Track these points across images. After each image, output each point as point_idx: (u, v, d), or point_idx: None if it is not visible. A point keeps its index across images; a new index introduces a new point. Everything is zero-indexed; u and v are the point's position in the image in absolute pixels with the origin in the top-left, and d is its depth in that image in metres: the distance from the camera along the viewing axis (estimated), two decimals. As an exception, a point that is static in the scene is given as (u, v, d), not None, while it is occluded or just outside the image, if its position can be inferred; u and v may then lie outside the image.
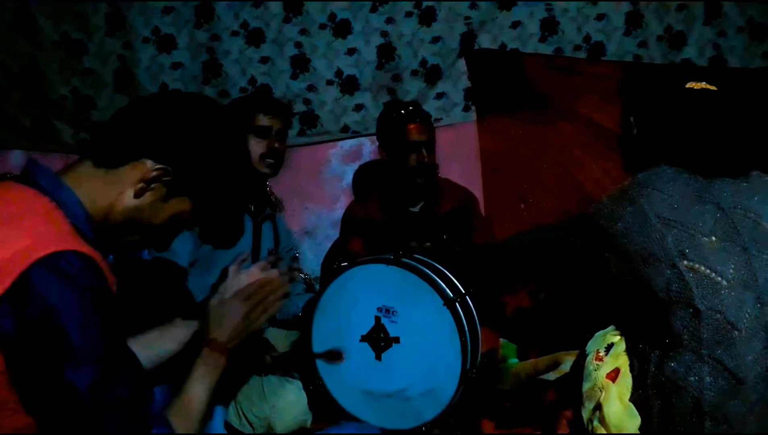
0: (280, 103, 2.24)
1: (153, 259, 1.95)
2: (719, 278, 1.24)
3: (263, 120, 2.12)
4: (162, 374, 1.21)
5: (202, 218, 1.14)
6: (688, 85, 1.41)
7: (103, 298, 0.93)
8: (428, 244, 1.96)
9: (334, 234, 2.79)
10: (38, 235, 0.91)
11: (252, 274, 1.24)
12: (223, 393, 1.79)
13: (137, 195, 1.04)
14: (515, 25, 2.85)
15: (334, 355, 1.67)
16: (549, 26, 2.85)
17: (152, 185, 1.04)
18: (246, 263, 1.28)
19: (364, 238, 2.35)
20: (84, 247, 0.93)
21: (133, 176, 1.04)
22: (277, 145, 2.14)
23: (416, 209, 2.37)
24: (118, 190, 1.04)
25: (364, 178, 2.89)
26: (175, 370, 1.19)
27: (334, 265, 1.70)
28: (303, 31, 2.79)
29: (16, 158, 2.78)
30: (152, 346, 1.23)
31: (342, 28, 2.80)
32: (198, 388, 1.10)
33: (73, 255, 0.91)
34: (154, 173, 1.04)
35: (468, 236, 2.36)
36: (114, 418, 0.91)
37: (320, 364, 1.67)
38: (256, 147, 2.10)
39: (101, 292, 0.93)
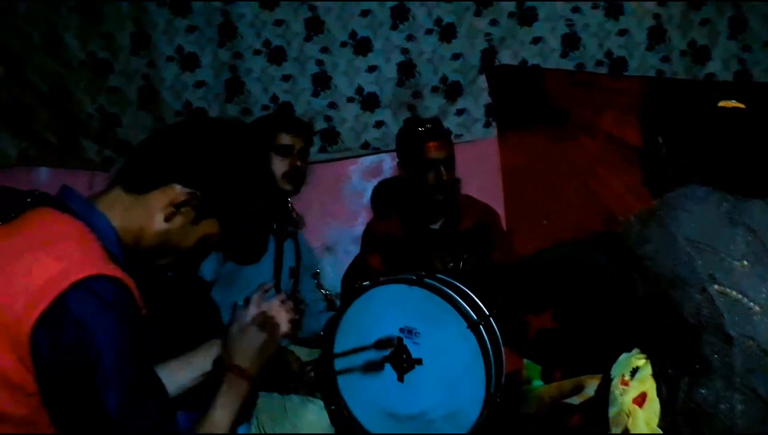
0: (301, 122, 2.26)
1: (177, 275, 1.97)
2: (751, 304, 1.22)
3: (285, 139, 2.14)
4: (181, 401, 1.22)
5: (230, 240, 1.17)
6: (720, 104, 1.39)
7: (135, 323, 0.95)
8: (451, 264, 1.96)
9: (355, 250, 2.79)
10: (73, 259, 0.93)
11: (269, 305, 1.28)
12: (245, 409, 1.79)
13: (167, 219, 1.07)
14: (536, 40, 2.84)
15: (385, 343, 1.61)
16: (570, 42, 2.84)
17: (182, 209, 1.07)
18: (270, 292, 1.31)
19: (384, 254, 2.35)
20: (117, 272, 0.95)
21: (163, 201, 1.06)
22: (299, 163, 2.16)
23: (437, 226, 2.36)
24: (149, 215, 1.07)
25: (382, 194, 2.89)
26: (193, 397, 1.21)
27: (356, 284, 1.69)
28: (324, 49, 2.81)
29: (42, 175, 2.84)
30: (175, 375, 1.25)
31: (363, 46, 2.82)
32: (222, 414, 1.12)
33: (108, 279, 0.93)
34: (183, 197, 1.06)
35: (489, 253, 2.34)
36: None
37: (342, 383, 1.66)
38: (279, 165, 2.12)
39: (133, 316, 0.95)
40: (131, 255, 1.06)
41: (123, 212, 1.06)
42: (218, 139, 1.12)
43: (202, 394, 1.18)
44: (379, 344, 1.62)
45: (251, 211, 1.16)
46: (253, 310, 1.26)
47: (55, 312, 0.89)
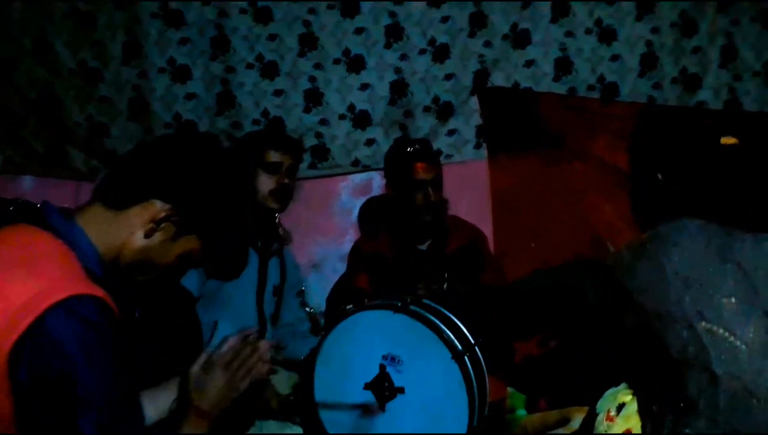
0: (291, 139, 2.24)
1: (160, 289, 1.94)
2: (738, 342, 1.20)
3: (274, 156, 2.12)
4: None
5: (210, 257, 1.16)
6: (723, 141, 1.39)
7: (116, 344, 0.93)
8: (435, 286, 1.93)
9: (341, 267, 2.76)
10: (53, 279, 0.92)
11: (229, 344, 1.25)
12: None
13: (147, 235, 1.06)
14: (529, 63, 2.85)
15: (369, 409, 1.60)
16: (563, 66, 2.85)
17: (161, 225, 1.06)
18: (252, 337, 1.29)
19: (371, 274, 2.33)
20: (98, 291, 0.94)
21: (143, 217, 1.05)
22: (286, 180, 2.14)
23: (424, 247, 2.34)
24: (129, 231, 1.05)
25: (370, 212, 2.87)
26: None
27: (340, 308, 1.67)
28: (317, 66, 2.80)
29: (27, 184, 2.80)
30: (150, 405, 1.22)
31: (356, 64, 2.81)
32: None
33: (89, 299, 0.92)
34: (163, 214, 1.06)
35: (477, 275, 2.33)
36: None
37: (322, 410, 1.63)
38: (266, 182, 2.10)
39: (114, 337, 0.93)
40: (111, 271, 1.05)
41: (103, 228, 1.04)
42: (197, 156, 1.12)
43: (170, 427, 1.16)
44: (362, 408, 1.60)
45: (231, 228, 1.16)
46: (222, 350, 1.24)
47: (34, 333, 0.87)
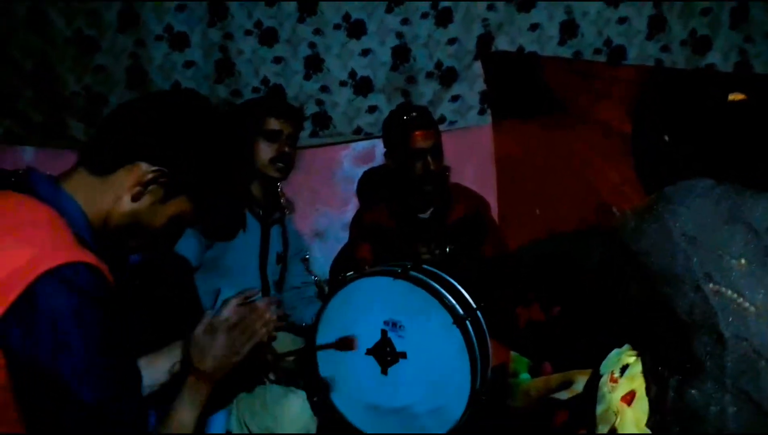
0: (291, 107, 2.20)
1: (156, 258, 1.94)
2: (747, 304, 1.18)
3: (274, 124, 2.09)
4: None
5: (202, 217, 1.13)
6: (730, 98, 1.34)
7: (112, 311, 0.91)
8: (437, 251, 1.91)
9: (344, 236, 2.75)
10: (43, 246, 0.89)
11: (250, 309, 1.24)
12: (225, 399, 1.76)
13: (135, 199, 1.03)
14: (534, 27, 2.78)
15: (346, 343, 1.60)
16: (568, 29, 2.78)
17: (149, 188, 1.03)
18: (256, 297, 1.28)
19: (373, 244, 2.31)
20: (91, 258, 0.91)
21: (129, 180, 1.02)
22: (287, 149, 2.11)
23: (426, 216, 2.31)
24: (115, 196, 1.03)
25: (370, 183, 2.84)
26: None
27: (340, 276, 1.65)
28: (317, 31, 2.74)
29: (27, 154, 2.78)
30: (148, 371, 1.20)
31: (356, 29, 2.75)
32: (185, 416, 1.12)
33: (82, 266, 0.89)
34: (150, 175, 1.03)
35: (480, 243, 2.30)
36: (119, 433, 0.90)
37: (325, 374, 1.63)
38: (266, 150, 2.07)
39: (109, 303, 0.91)
40: (101, 237, 1.02)
41: (89, 194, 1.02)
42: (181, 113, 1.08)
43: (168, 392, 1.15)
44: (340, 344, 1.59)
45: (223, 187, 1.14)
46: (225, 314, 1.22)
47: (26, 302, 0.85)
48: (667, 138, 1.43)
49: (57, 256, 0.88)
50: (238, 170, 1.17)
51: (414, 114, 2.24)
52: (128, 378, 0.95)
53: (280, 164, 2.09)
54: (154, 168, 1.03)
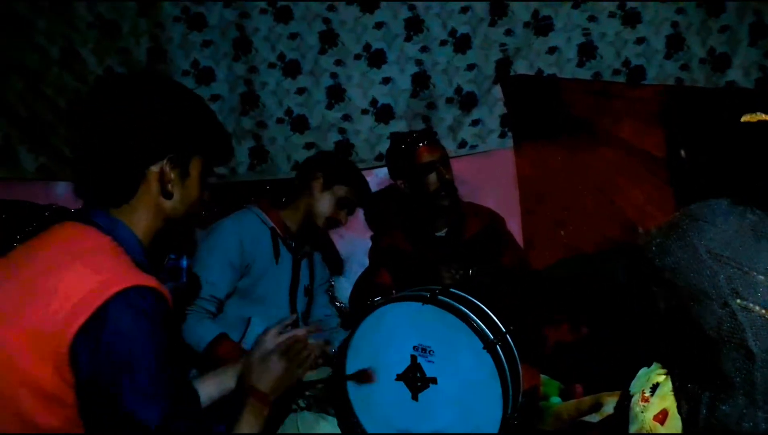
0: (363, 181, 2.26)
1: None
2: (775, 319, 1.17)
3: (347, 193, 2.17)
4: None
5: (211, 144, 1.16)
6: (743, 119, 1.35)
7: (173, 333, 0.98)
8: (461, 272, 1.92)
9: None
10: (111, 271, 0.95)
11: (296, 336, 1.33)
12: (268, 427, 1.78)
13: (168, 196, 1.08)
14: (552, 50, 2.81)
15: (364, 376, 1.64)
16: (587, 51, 2.81)
17: (170, 179, 1.07)
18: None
19: (391, 268, 2.31)
20: (154, 282, 0.97)
21: (153, 188, 1.07)
22: (344, 217, 2.20)
23: (442, 234, 2.32)
24: (153, 205, 1.07)
25: (379, 207, 2.84)
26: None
27: (368, 301, 1.67)
28: (338, 62, 2.81)
29: (60, 189, 2.86)
30: (207, 388, 1.28)
31: (377, 58, 2.81)
32: (246, 431, 1.16)
33: (147, 290, 0.94)
34: (165, 171, 1.07)
35: (498, 257, 2.29)
36: None
37: (355, 400, 1.64)
38: (329, 208, 2.14)
39: (171, 326, 0.97)
40: (154, 253, 1.08)
41: (131, 218, 1.06)
42: (150, 98, 1.09)
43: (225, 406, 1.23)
44: (358, 376, 1.64)
45: (220, 137, 1.19)
46: (273, 340, 1.30)
47: (96, 323, 0.90)
48: (686, 158, 1.44)
49: (125, 280, 0.93)
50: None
51: (414, 134, 2.29)
52: (189, 397, 1.01)
53: (333, 223, 2.17)
54: (162, 163, 1.06)
